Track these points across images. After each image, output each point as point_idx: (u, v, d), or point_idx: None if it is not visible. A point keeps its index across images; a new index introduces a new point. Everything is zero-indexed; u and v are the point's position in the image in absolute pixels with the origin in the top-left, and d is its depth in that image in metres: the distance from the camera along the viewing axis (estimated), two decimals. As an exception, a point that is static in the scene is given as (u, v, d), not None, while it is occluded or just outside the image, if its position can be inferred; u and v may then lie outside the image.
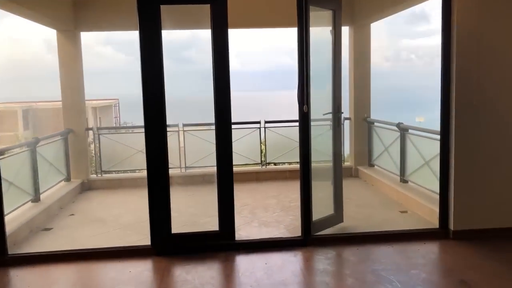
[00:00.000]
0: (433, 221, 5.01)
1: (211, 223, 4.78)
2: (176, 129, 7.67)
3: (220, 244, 4.53)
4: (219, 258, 4.36)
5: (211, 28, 4.28)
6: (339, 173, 5.06)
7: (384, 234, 4.71)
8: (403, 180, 6.33)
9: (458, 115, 4.51)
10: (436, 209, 5.02)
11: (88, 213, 6.12)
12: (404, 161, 6.30)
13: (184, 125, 7.69)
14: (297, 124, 8.48)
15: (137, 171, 7.96)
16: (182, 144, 7.84)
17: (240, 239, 4.67)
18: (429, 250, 4.41)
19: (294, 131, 7.94)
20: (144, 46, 4.23)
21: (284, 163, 8.09)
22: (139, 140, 7.84)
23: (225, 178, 4.50)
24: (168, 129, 7.94)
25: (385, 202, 6.09)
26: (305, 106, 4.40)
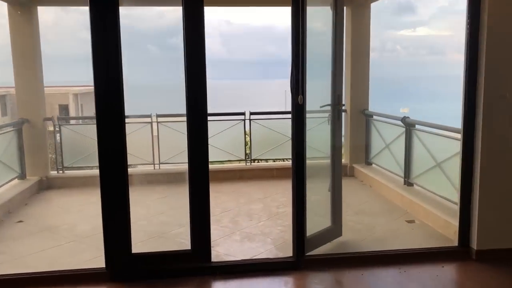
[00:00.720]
0: (448, 235, 4.22)
1: (184, 235, 3.89)
2: (148, 120, 6.74)
3: (192, 267, 3.65)
4: (189, 286, 3.49)
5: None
6: (338, 178, 4.21)
7: (393, 254, 3.88)
8: (408, 183, 5.51)
9: (486, 111, 3.68)
10: (451, 220, 4.24)
11: (40, 219, 5.19)
12: (410, 161, 5.47)
13: (158, 115, 6.76)
14: (286, 116, 7.70)
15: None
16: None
17: (217, 260, 3.79)
18: (450, 276, 3.61)
19: (282, 124, 7.13)
20: (95, 25, 3.29)
21: (271, 159, 7.22)
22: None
23: (199, 183, 3.61)
24: (137, 120, 7.09)
25: (388, 209, 5.27)
26: (300, 97, 3.52)
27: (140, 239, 4.35)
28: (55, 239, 4.49)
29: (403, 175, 5.61)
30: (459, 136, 4.45)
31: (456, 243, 3.95)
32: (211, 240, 3.80)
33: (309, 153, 3.77)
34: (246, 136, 7.17)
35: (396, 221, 4.83)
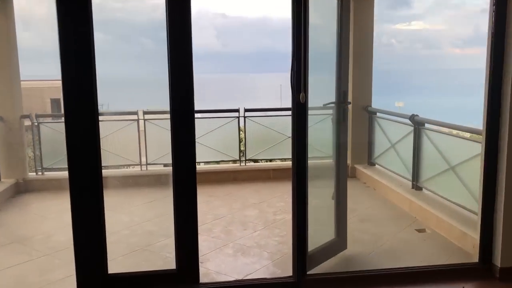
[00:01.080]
0: (466, 248, 3.78)
1: (170, 248, 3.41)
2: (134, 117, 6.24)
3: (178, 290, 3.18)
4: (174, 313, 3.02)
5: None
6: (343, 186, 3.75)
7: (405, 272, 3.43)
8: (416, 187, 5.06)
9: (513, 109, 3.22)
10: (468, 230, 3.81)
11: (12, 228, 4.70)
12: (419, 162, 5.02)
13: (145, 112, 6.26)
14: (283, 113, 7.22)
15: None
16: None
17: (206, 280, 3.32)
18: (472, 299, 3.16)
19: (279, 121, 6.66)
20: (63, 17, 2.80)
21: (267, 160, 6.76)
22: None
23: (185, 190, 3.15)
24: (122, 117, 6.59)
25: (395, 216, 4.82)
26: (302, 95, 3.04)
27: (121, 252, 3.90)
28: (25, 253, 4.01)
29: (410, 178, 5.15)
30: (477, 136, 4.04)
31: (476, 259, 3.50)
32: (201, 255, 3.36)
33: (309, 153, 3.30)
34: (241, 132, 6.69)
35: (405, 230, 4.38)
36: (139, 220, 4.86)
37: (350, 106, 6.38)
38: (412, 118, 5.02)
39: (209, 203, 5.31)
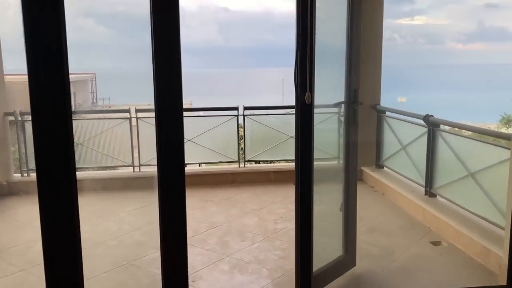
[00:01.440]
0: (489, 266, 3.39)
1: (159, 262, 3.01)
2: (126, 115, 5.84)
3: (164, 317, 2.78)
4: None
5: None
6: (352, 194, 3.35)
7: (424, 295, 3.04)
8: (430, 193, 4.65)
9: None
10: (491, 246, 3.41)
11: (-11, 237, 4.32)
12: (433, 167, 4.61)
13: (138, 110, 5.86)
14: (285, 112, 6.83)
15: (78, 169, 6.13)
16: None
17: (197, 305, 2.93)
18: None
19: (281, 120, 6.27)
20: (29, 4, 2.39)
21: (268, 161, 6.35)
22: (80, 127, 6.05)
23: (172, 199, 2.72)
24: (113, 115, 6.20)
25: (407, 225, 4.42)
26: (307, 95, 2.63)
27: (105, 268, 3.53)
28: (0, 268, 3.62)
29: (423, 183, 4.74)
30: (505, 142, 3.63)
31: (504, 281, 3.09)
32: (193, 272, 3.00)
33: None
34: (240, 131, 6.28)
35: (419, 243, 3.99)
36: (128, 229, 4.47)
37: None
38: (427, 118, 4.60)
39: (204, 209, 4.92)
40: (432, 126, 4.58)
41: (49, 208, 2.59)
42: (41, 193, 2.56)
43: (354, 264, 3.40)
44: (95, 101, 28.87)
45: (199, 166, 6.31)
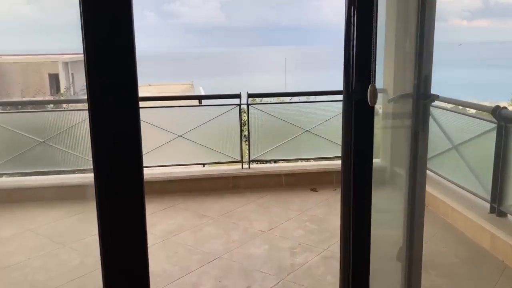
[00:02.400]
0: None
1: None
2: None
3: None
4: None
5: None
6: (418, 236, 2.19)
7: None
8: (498, 212, 3.47)
9: None
10: None
11: None
12: (504, 177, 3.42)
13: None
14: (297, 99, 5.62)
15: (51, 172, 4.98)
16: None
17: None
18: None
19: (292, 109, 5.09)
20: None
21: (277, 160, 5.15)
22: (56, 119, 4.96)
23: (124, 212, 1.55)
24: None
25: (472, 257, 3.27)
26: (370, 88, 1.45)
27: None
28: None
29: (488, 197, 3.56)
30: None
31: None
32: None
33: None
34: (243, 124, 5.09)
35: (491, 283, 2.84)
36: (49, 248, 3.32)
37: (391, 91, 4.78)
38: (497, 112, 3.39)
39: (198, 231, 3.77)
40: (505, 121, 3.37)
41: None
42: None
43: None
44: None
45: (203, 166, 5.14)
